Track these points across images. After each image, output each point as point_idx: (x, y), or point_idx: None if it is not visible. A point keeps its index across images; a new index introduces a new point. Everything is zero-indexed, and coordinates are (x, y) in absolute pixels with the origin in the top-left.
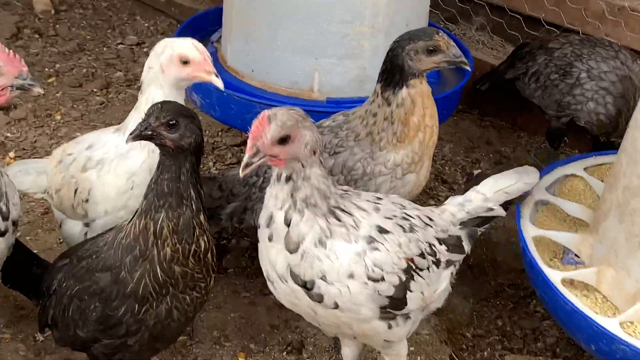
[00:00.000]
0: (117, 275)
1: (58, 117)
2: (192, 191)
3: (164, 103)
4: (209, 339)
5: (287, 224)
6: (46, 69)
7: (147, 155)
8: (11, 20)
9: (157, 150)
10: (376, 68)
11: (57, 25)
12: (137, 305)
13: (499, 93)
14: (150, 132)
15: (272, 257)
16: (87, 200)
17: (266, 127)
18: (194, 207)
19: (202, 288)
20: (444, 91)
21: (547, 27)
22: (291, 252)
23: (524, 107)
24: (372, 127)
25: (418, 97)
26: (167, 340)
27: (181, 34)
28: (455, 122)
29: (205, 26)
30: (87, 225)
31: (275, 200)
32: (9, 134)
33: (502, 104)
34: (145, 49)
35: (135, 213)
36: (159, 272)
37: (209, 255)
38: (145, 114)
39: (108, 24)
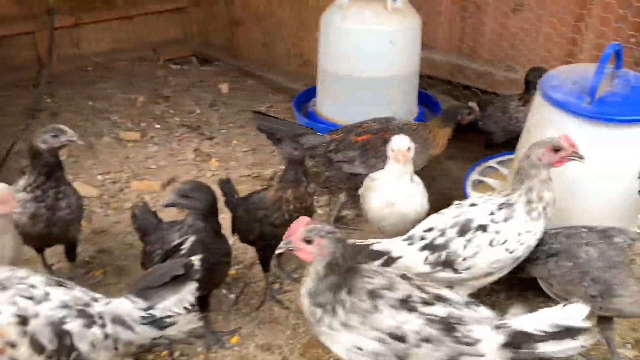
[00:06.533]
0: (271, 214)
1: (235, 143)
2: (305, 179)
3: None
4: None
5: None
6: (227, 121)
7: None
8: (210, 97)
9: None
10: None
11: (230, 97)
12: (275, 228)
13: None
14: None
15: None
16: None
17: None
18: (304, 186)
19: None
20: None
21: (475, 90)
22: None
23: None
24: None
25: None
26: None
27: (296, 101)
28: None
29: (305, 97)
30: None
31: None
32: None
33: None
34: (273, 110)
35: (274, 187)
36: (285, 215)
37: (312, 206)
38: None
39: (256, 95)
